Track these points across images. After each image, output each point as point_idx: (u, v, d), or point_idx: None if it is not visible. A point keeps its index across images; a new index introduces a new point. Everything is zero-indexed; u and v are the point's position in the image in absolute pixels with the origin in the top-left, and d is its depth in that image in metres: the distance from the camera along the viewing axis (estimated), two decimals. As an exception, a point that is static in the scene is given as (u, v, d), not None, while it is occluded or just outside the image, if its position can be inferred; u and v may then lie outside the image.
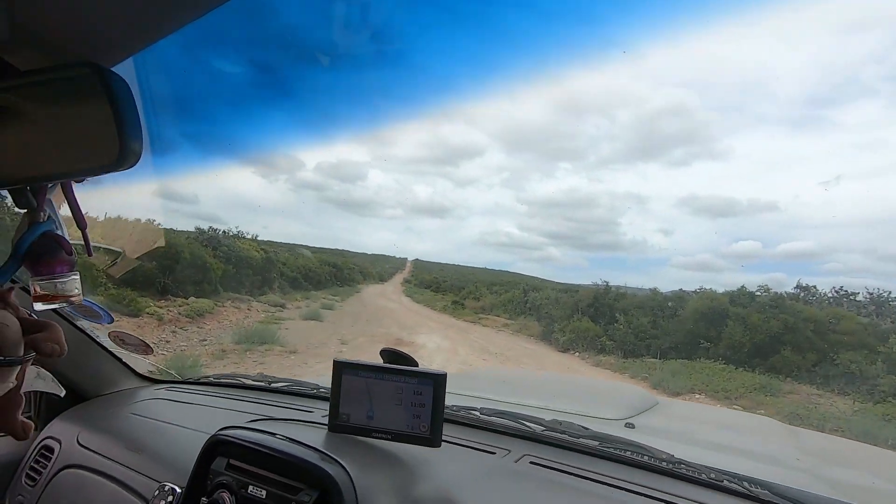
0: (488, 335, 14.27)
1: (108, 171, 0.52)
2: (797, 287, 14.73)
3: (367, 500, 0.80)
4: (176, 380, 1.66)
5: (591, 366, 10.48)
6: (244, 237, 18.87)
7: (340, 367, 0.97)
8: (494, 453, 1.06)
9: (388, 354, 0.99)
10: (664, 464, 1.00)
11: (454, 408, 1.23)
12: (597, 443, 1.08)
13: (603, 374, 9.86)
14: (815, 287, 14.38)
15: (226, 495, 0.87)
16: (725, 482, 0.94)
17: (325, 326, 11.83)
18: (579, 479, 0.96)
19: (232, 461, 0.90)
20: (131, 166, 0.50)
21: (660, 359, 10.80)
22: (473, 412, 1.23)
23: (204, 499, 0.89)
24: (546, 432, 1.13)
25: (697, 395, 7.41)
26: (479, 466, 1.01)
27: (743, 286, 12.29)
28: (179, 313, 9.68)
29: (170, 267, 11.52)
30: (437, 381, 0.94)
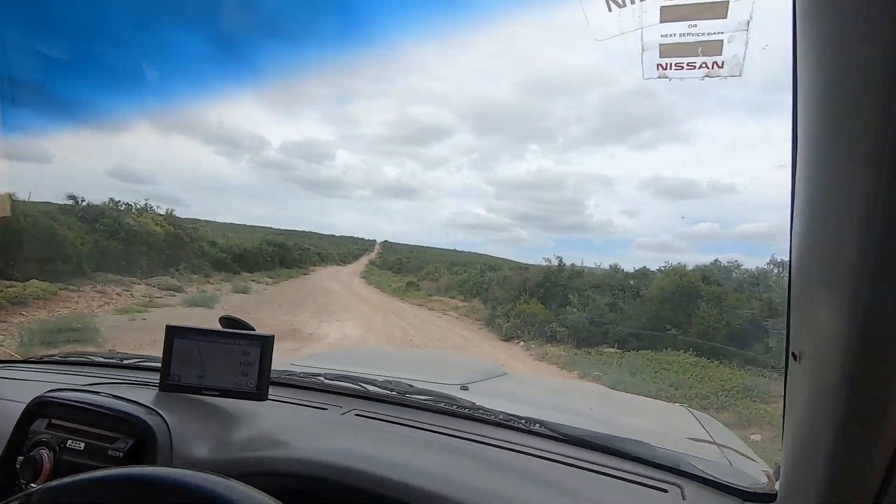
0: (426, 321, 12.22)
1: None
2: (770, 263, 13.15)
3: (182, 446, 0.85)
4: (17, 360, 1.61)
5: (535, 360, 8.45)
6: (151, 212, 16.22)
7: (172, 332, 1.02)
8: (326, 409, 1.13)
9: (226, 321, 1.07)
10: (466, 410, 1.14)
11: (301, 374, 1.31)
12: (421, 398, 1.20)
13: (549, 370, 7.86)
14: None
15: (44, 451, 0.87)
16: (512, 423, 1.08)
17: (209, 315, 9.43)
18: (393, 424, 1.06)
19: (54, 421, 0.91)
20: None
21: (619, 349, 8.89)
22: (318, 377, 1.30)
23: (20, 457, 0.89)
24: (376, 390, 1.24)
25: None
26: (304, 418, 1.07)
27: (717, 259, 10.48)
28: (-24, 301, 7.10)
29: (3, 242, 8.93)
30: (265, 342, 1.01)
